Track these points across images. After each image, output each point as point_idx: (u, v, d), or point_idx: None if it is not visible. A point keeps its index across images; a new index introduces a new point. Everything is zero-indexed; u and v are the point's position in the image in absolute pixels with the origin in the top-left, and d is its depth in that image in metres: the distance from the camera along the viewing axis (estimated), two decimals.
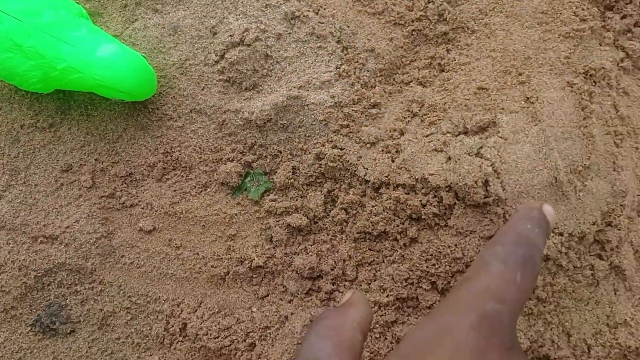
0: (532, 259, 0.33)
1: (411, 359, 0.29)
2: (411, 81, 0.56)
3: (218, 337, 0.51)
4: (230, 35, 0.58)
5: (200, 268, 0.55)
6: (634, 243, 0.50)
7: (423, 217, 0.48)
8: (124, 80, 0.52)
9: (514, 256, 0.32)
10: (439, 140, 0.49)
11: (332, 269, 0.52)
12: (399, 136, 0.52)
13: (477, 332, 0.28)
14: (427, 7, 0.57)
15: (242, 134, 0.57)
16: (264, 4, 0.59)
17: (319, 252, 0.52)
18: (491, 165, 0.45)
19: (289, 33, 0.58)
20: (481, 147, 0.47)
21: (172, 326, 0.53)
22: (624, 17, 0.55)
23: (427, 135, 0.50)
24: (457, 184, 0.45)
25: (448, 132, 0.49)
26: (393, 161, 0.50)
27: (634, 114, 0.52)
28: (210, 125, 0.58)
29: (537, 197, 0.46)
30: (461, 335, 0.28)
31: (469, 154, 0.46)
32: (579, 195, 0.47)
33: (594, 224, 0.47)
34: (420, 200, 0.48)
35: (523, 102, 0.49)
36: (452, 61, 0.55)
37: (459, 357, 0.27)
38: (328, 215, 0.53)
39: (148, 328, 0.54)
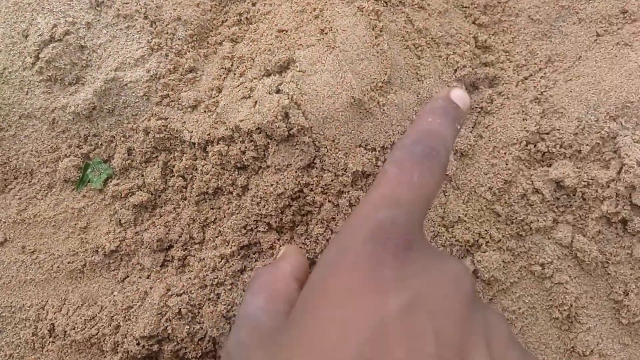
0: (434, 152, 0.31)
1: (317, 285, 0.28)
2: (223, 40, 0.56)
3: (85, 328, 0.51)
4: (40, 35, 0.57)
5: (58, 267, 0.54)
6: None
7: (246, 163, 0.48)
8: None
9: (411, 155, 0.31)
10: (246, 87, 0.49)
11: (180, 236, 0.52)
12: (217, 94, 0.53)
13: (371, 242, 0.27)
14: None
15: (74, 128, 0.56)
16: None
17: (166, 223, 0.52)
18: (289, 98, 0.46)
19: (98, 20, 0.57)
20: (280, 84, 0.47)
21: (41, 329, 0.52)
22: None
23: (237, 86, 0.51)
24: (262, 123, 0.46)
25: (254, 79, 0.50)
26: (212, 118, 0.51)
27: (432, 25, 0.53)
28: (42, 127, 0.57)
29: (341, 120, 0.47)
30: (357, 250, 0.27)
31: (269, 93, 0.47)
32: (383, 110, 0.48)
33: (403, 132, 0.48)
34: (240, 148, 0.48)
35: (319, 35, 0.50)
36: (258, 12, 0.56)
37: (357, 272, 0.27)
38: (168, 186, 0.53)
39: (17, 337, 0.53)
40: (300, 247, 0.47)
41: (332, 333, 0.25)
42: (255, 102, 0.48)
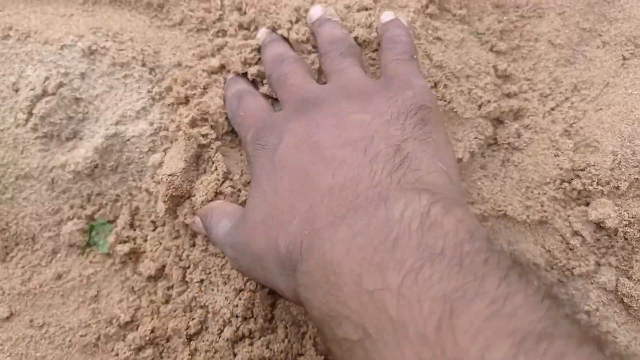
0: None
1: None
2: None
3: None
4: (31, 89, 0.47)
5: (70, 341, 0.45)
6: None
7: None
8: None
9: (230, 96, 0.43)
10: None
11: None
12: None
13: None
14: (223, 4, 0.48)
15: (75, 187, 0.47)
16: (59, 47, 0.49)
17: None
18: None
19: (92, 69, 0.48)
20: None
21: None
22: None
23: None
24: None
25: None
26: None
27: (450, 57, 0.45)
28: (41, 187, 0.48)
29: None
30: None
31: None
32: None
33: None
34: None
35: None
36: None
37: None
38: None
39: None
40: None
41: (266, 187, 0.32)
42: None
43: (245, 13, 0.47)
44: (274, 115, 0.35)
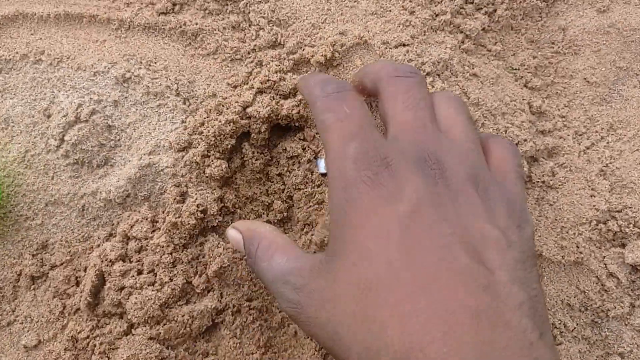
0: (340, 86, 0.34)
1: (342, 222, 0.28)
2: None
3: None
4: (64, 116, 0.47)
5: None
6: None
7: None
8: None
9: (327, 98, 0.34)
10: None
11: None
12: None
13: (359, 173, 0.29)
14: (258, 35, 0.48)
15: (106, 215, 0.48)
16: (92, 73, 0.49)
17: None
18: None
19: (125, 97, 0.48)
20: None
21: None
22: None
23: None
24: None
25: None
26: None
27: (487, 94, 0.45)
28: (71, 214, 0.48)
29: None
30: (356, 186, 0.29)
31: None
32: None
33: None
34: None
35: None
36: None
37: (363, 201, 0.28)
38: None
39: None
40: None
41: (372, 247, 0.26)
42: None
43: (281, 44, 0.47)
44: (387, 144, 0.29)
